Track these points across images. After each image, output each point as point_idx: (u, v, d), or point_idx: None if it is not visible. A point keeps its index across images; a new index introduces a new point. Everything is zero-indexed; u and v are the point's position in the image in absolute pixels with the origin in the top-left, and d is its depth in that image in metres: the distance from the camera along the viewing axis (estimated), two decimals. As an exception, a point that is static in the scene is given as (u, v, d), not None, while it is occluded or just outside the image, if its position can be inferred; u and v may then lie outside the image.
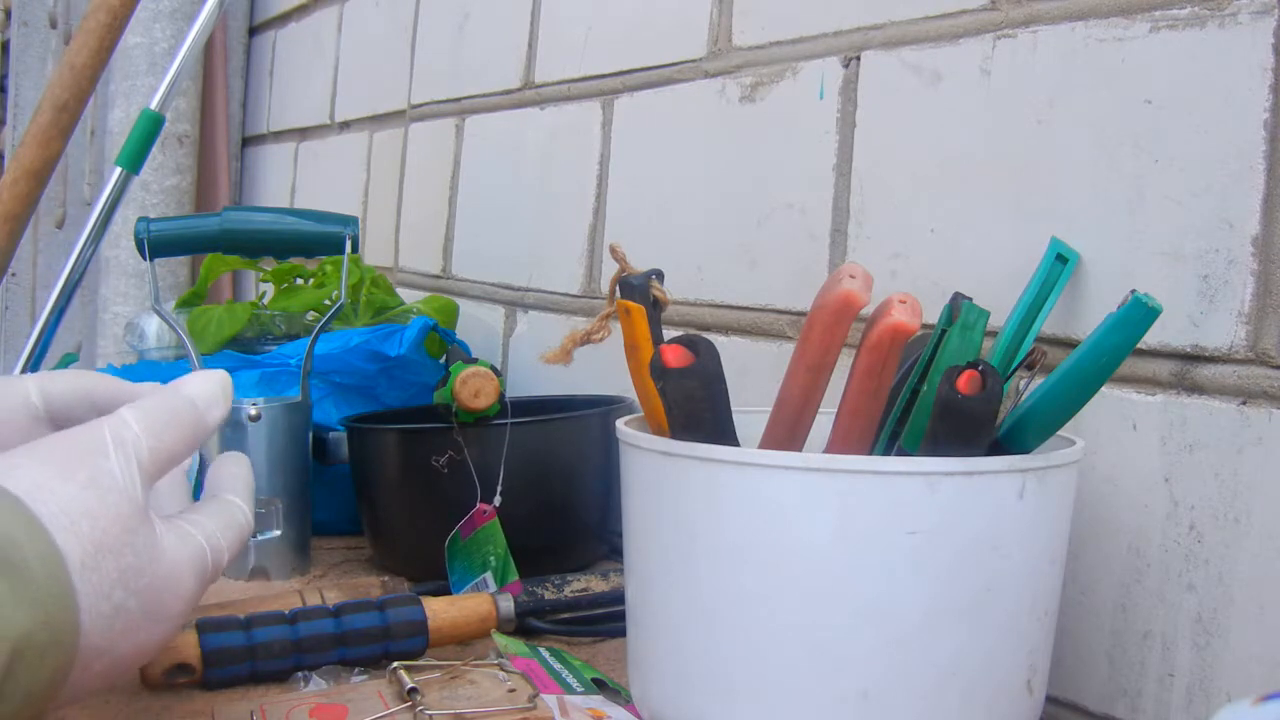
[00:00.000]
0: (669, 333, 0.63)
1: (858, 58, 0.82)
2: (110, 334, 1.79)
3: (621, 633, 0.68)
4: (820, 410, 0.64)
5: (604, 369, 0.96)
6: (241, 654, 0.68)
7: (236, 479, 0.60)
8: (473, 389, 0.84)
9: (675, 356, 0.58)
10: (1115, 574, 0.65)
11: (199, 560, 0.54)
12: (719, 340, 0.90)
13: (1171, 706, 0.62)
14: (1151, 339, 0.62)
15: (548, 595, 0.80)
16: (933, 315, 0.65)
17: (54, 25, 2.11)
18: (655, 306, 0.63)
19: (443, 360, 1.07)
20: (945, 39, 0.75)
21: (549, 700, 0.62)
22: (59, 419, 0.59)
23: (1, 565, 0.44)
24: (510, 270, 1.21)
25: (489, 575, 0.83)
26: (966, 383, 0.55)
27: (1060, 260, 0.66)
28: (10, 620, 0.44)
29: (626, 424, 0.63)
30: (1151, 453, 0.63)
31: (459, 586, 0.84)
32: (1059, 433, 0.60)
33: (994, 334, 0.66)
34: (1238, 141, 0.60)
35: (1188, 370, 0.62)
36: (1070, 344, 0.67)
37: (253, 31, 2.00)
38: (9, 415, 0.58)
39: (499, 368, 1.03)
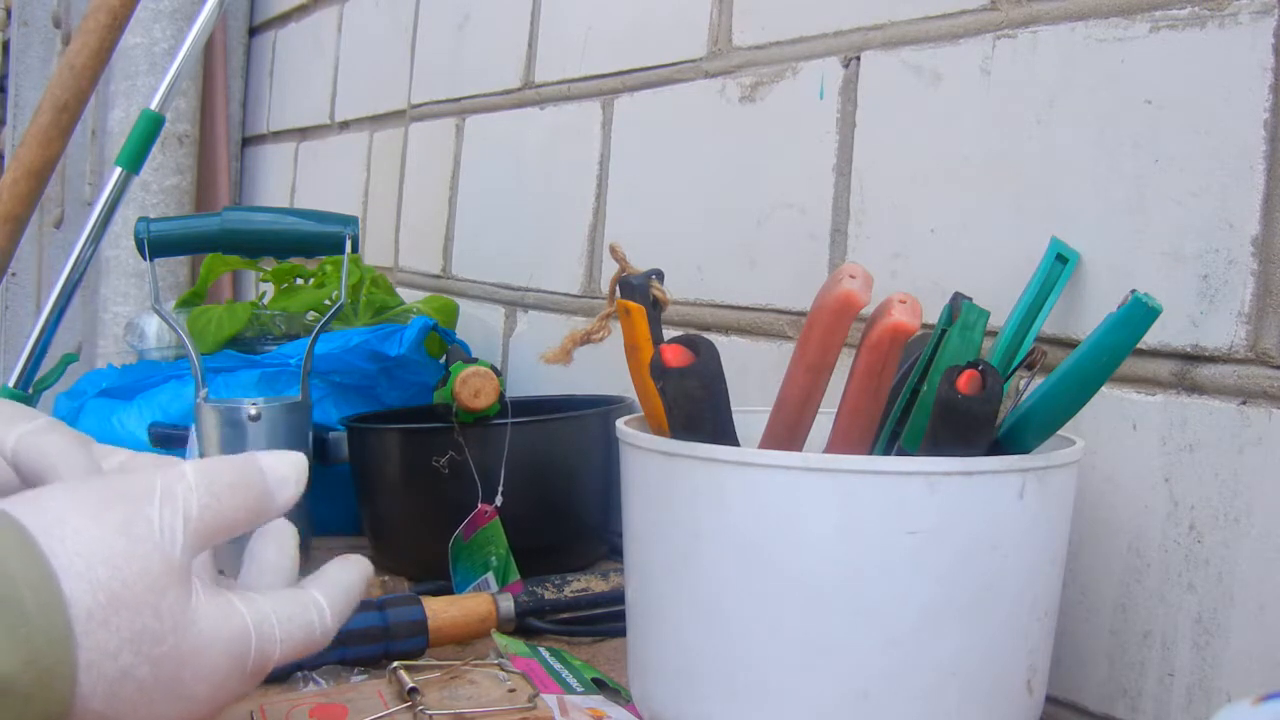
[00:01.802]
0: (669, 333, 0.63)
1: (858, 58, 0.82)
2: (110, 334, 1.79)
3: (621, 633, 0.68)
4: (820, 410, 0.64)
5: (604, 369, 0.96)
6: (241, 654, 0.68)
7: (336, 581, 0.52)
8: (473, 389, 0.84)
9: (675, 356, 0.58)
10: (1115, 574, 0.65)
11: (239, 643, 0.47)
12: (719, 340, 0.90)
13: (1171, 706, 0.62)
14: (1151, 339, 0.62)
15: (548, 595, 0.80)
16: (933, 315, 0.65)
17: (57, 25, 2.11)
18: (655, 306, 0.63)
19: (443, 360, 1.07)
20: (945, 39, 0.75)
21: (549, 700, 0.62)
22: (23, 473, 0.53)
23: None
24: (510, 270, 1.21)
25: (490, 576, 0.83)
26: (966, 383, 0.55)
27: (1060, 260, 0.66)
28: None
29: (626, 424, 0.63)
30: (1151, 453, 0.63)
31: (462, 587, 0.84)
32: (1059, 433, 0.60)
33: (994, 334, 0.66)
34: (1238, 141, 0.60)
35: (1188, 370, 0.62)
36: (1070, 344, 0.67)
37: (253, 31, 2.00)
38: None
39: (499, 368, 1.03)
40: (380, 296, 1.19)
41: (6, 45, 2.44)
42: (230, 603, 0.48)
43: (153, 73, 1.79)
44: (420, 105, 1.43)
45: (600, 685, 0.68)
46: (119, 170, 1.00)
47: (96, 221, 1.00)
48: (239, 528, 0.49)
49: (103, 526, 0.44)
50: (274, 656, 0.49)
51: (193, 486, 0.47)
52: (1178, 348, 0.62)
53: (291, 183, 1.82)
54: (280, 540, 0.55)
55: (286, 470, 0.50)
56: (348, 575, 0.53)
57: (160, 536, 0.45)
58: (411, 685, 0.62)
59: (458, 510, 0.85)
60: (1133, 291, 0.55)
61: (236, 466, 0.49)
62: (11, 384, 0.98)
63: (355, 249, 0.94)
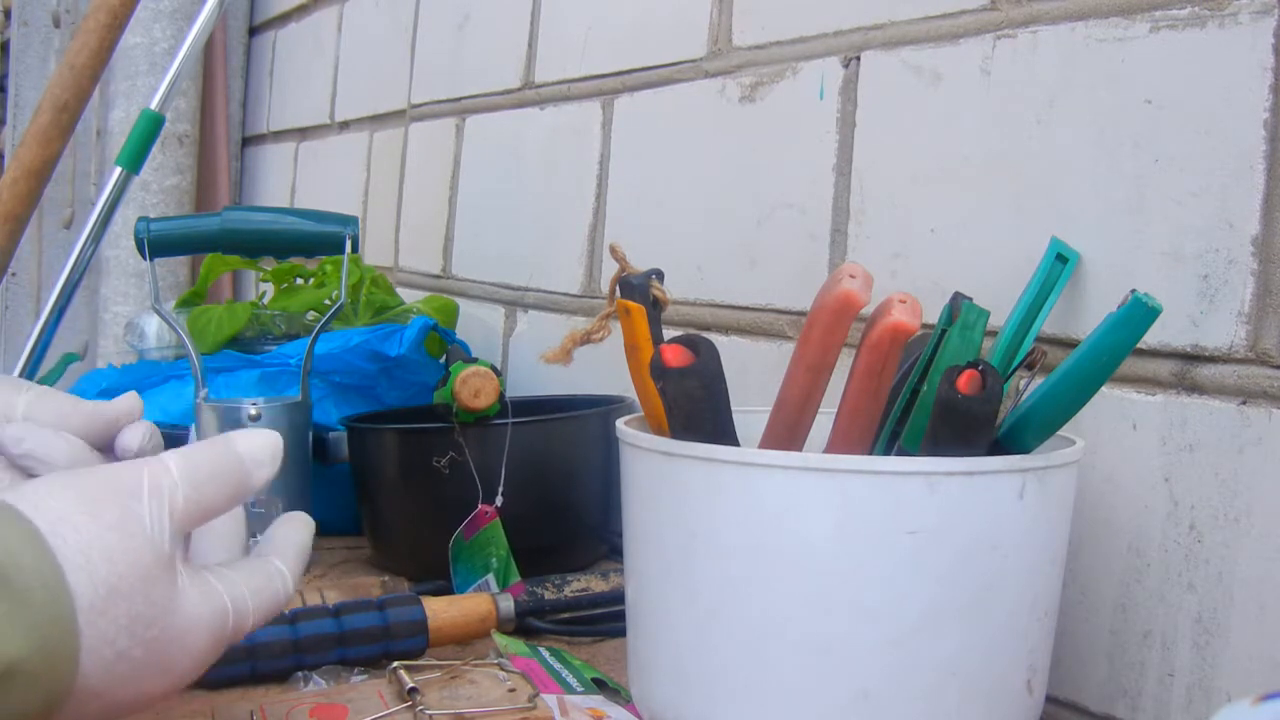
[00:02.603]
0: (669, 333, 0.63)
1: (858, 58, 0.82)
2: (110, 334, 1.79)
3: (621, 633, 0.68)
4: (820, 410, 0.64)
5: (604, 369, 0.96)
6: (241, 654, 0.68)
7: (290, 544, 0.57)
8: (473, 389, 0.84)
9: (675, 356, 0.58)
10: (1115, 574, 0.65)
11: (219, 620, 0.52)
12: (719, 340, 0.90)
13: (1171, 706, 0.62)
14: (1151, 339, 0.62)
15: (548, 595, 0.80)
16: (933, 315, 0.65)
17: (57, 25, 2.11)
18: (655, 306, 0.63)
19: (443, 360, 1.07)
20: (945, 39, 0.75)
21: (549, 700, 0.62)
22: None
23: (2, 587, 0.44)
24: (510, 270, 1.21)
25: (491, 577, 0.83)
26: (966, 383, 0.55)
27: (1060, 260, 0.66)
28: (4, 639, 0.44)
29: (626, 424, 0.63)
30: (1151, 453, 0.63)
31: (463, 588, 0.84)
32: (1059, 433, 0.60)
33: (994, 334, 0.66)
34: (1238, 141, 0.60)
35: (1188, 370, 0.62)
36: (1070, 344, 0.67)
37: (253, 31, 2.00)
38: None
39: (499, 368, 1.03)
40: (380, 296, 1.19)
41: (6, 45, 2.44)
42: (208, 582, 0.52)
43: (153, 73, 1.79)
44: (420, 105, 1.43)
45: (600, 685, 0.68)
46: (119, 170, 1.00)
47: (96, 221, 1.00)
48: (220, 512, 0.53)
49: (100, 523, 0.48)
50: (247, 628, 0.53)
51: (177, 481, 0.50)
52: (1178, 348, 0.62)
53: (291, 183, 1.82)
54: (296, 522, 0.60)
55: (262, 452, 0.54)
56: (299, 536, 0.58)
57: (150, 531, 0.49)
58: (411, 685, 0.62)
59: (458, 510, 0.85)
60: (1133, 291, 0.55)
61: (215, 455, 0.52)
62: (11, 384, 0.98)
63: (355, 249, 0.95)
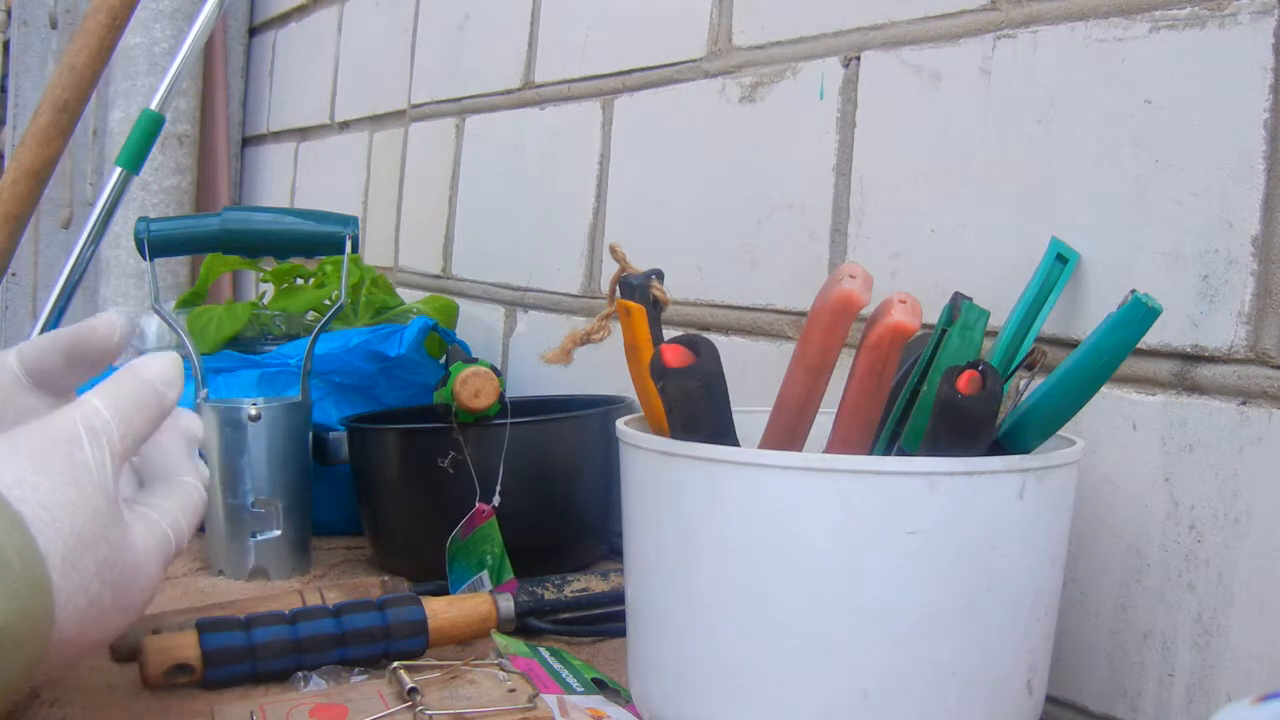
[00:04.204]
0: (669, 333, 0.63)
1: (858, 58, 0.82)
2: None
3: (621, 633, 0.68)
4: (820, 410, 0.64)
5: (604, 369, 0.96)
6: (241, 654, 0.68)
7: (179, 447, 0.60)
8: (473, 389, 0.84)
9: (675, 356, 0.58)
10: (1115, 574, 0.65)
11: (164, 548, 0.55)
12: (719, 340, 0.90)
13: (1171, 706, 0.62)
14: (1151, 339, 0.62)
15: (548, 595, 0.80)
16: (933, 315, 0.65)
17: (54, 26, 2.11)
18: (655, 306, 0.63)
19: (443, 360, 1.07)
20: (945, 39, 0.75)
21: (549, 700, 0.62)
22: (39, 380, 0.63)
23: None
24: (510, 270, 1.21)
25: (485, 574, 0.83)
26: (966, 383, 0.55)
27: (1060, 260, 0.66)
28: None
29: (626, 424, 0.63)
30: (1151, 453, 0.63)
31: (457, 585, 0.84)
32: (1059, 433, 0.60)
33: (994, 334, 0.66)
34: (1238, 141, 0.60)
35: (1188, 370, 0.62)
36: (1070, 344, 0.67)
37: (253, 31, 2.00)
38: None
39: (499, 368, 1.03)
40: (380, 296, 1.19)
41: (6, 45, 2.44)
42: (147, 515, 0.54)
43: (153, 73, 1.79)
44: (420, 105, 1.43)
45: (600, 685, 0.68)
46: (119, 170, 1.01)
47: (96, 221, 1.00)
48: (145, 439, 0.55)
49: (53, 479, 0.49)
50: (184, 546, 0.56)
51: (109, 420, 0.52)
52: (1178, 348, 0.62)
53: (291, 183, 1.82)
54: (180, 421, 0.62)
55: (168, 373, 0.56)
56: (187, 437, 0.61)
57: (97, 476, 0.51)
58: (411, 685, 0.62)
59: (458, 510, 0.85)
60: (1133, 291, 0.55)
61: (134, 388, 0.54)
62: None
63: (355, 249, 0.95)
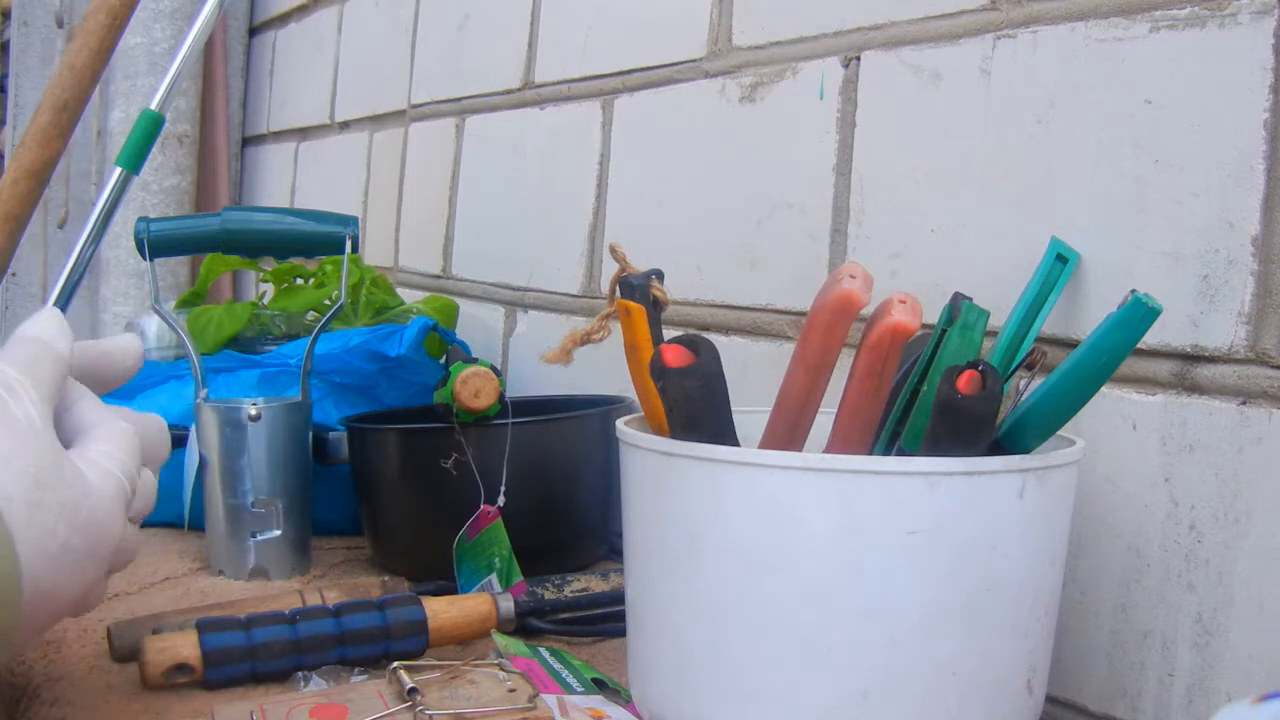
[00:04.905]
0: (669, 333, 0.63)
1: (858, 58, 0.82)
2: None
3: (621, 633, 0.68)
4: (820, 410, 0.64)
5: (604, 369, 0.96)
6: (241, 654, 0.68)
7: (90, 400, 0.59)
8: (473, 389, 0.84)
9: (675, 356, 0.58)
10: (1115, 574, 0.65)
11: (121, 492, 0.54)
12: (719, 340, 0.90)
13: (1171, 706, 0.62)
14: (1151, 339, 0.62)
15: (548, 595, 0.80)
16: (933, 315, 0.65)
17: (60, 24, 2.11)
18: (655, 306, 0.63)
19: (443, 360, 1.07)
20: (945, 39, 0.75)
21: (549, 700, 0.62)
22: None
23: None
24: (510, 270, 1.21)
25: (494, 578, 0.83)
26: (966, 383, 0.55)
27: (1060, 260, 0.66)
28: None
29: (626, 424, 0.63)
30: (1151, 453, 0.63)
31: (467, 587, 0.84)
32: (1059, 433, 0.60)
33: (994, 334, 0.66)
34: (1238, 141, 0.60)
35: (1188, 370, 0.62)
36: (1070, 344, 0.67)
37: (253, 31, 2.00)
38: None
39: (499, 368, 1.03)
40: (380, 296, 1.19)
41: (6, 45, 2.44)
42: (97, 462, 0.54)
43: (153, 73, 1.79)
44: (420, 105, 1.43)
45: (600, 685, 0.68)
46: (119, 170, 1.00)
47: (96, 221, 1.00)
48: (57, 393, 0.55)
49: None
50: (132, 491, 0.56)
51: (19, 377, 0.53)
52: (1178, 348, 0.62)
53: (291, 183, 1.82)
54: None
55: (55, 326, 0.57)
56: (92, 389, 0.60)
57: (31, 423, 0.51)
58: (411, 685, 0.62)
59: (458, 510, 0.85)
60: (1133, 291, 0.55)
61: (27, 349, 0.55)
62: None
63: (355, 249, 0.95)
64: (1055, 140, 0.68)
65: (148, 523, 0.97)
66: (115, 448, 0.56)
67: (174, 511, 0.97)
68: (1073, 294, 0.67)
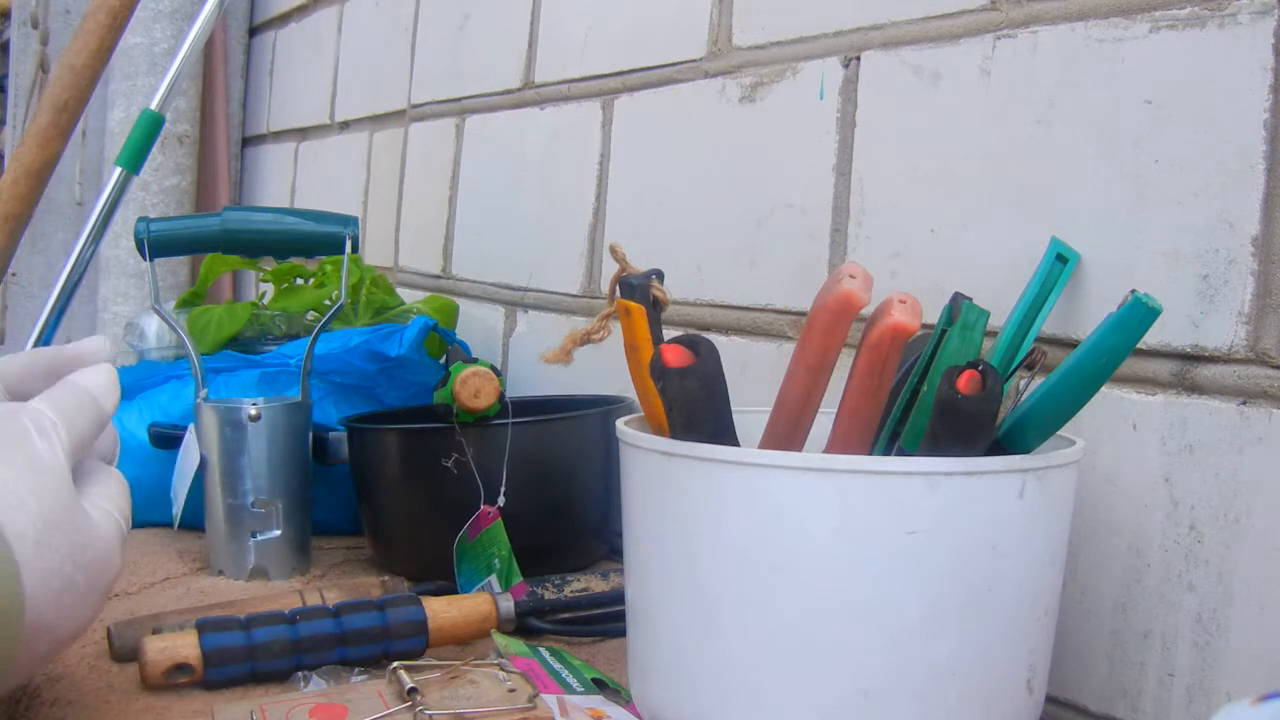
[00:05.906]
0: (669, 333, 0.63)
1: (858, 58, 0.82)
2: (110, 334, 1.79)
3: (621, 633, 0.68)
4: (820, 410, 0.64)
5: (604, 369, 0.96)
6: (241, 654, 0.68)
7: (107, 436, 0.62)
8: (473, 389, 0.84)
9: (675, 356, 0.58)
10: (1115, 574, 0.65)
11: (119, 534, 0.57)
12: (719, 340, 0.90)
13: (1171, 706, 0.62)
14: (1151, 339, 0.62)
15: (548, 595, 0.80)
16: (933, 315, 0.65)
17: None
18: (655, 306, 0.63)
19: (443, 360, 1.07)
20: (945, 39, 0.75)
21: (549, 700, 0.62)
22: (20, 396, 0.63)
23: None
24: (510, 270, 1.21)
25: (494, 578, 0.83)
26: (966, 383, 0.55)
27: (1060, 260, 0.66)
28: None
29: (626, 424, 0.63)
30: (1151, 453, 0.63)
31: (467, 588, 0.84)
32: (1059, 433, 0.60)
33: (994, 334, 0.66)
34: (1238, 141, 0.60)
35: (1188, 370, 0.62)
36: (1070, 344, 0.67)
37: (253, 31, 2.00)
38: None
39: (499, 368, 1.03)
40: (380, 296, 1.19)
41: (6, 45, 2.44)
42: (98, 505, 0.57)
43: (153, 73, 1.79)
44: (420, 105, 1.43)
45: (600, 685, 0.68)
46: (119, 170, 1.00)
47: (96, 221, 1.00)
48: (89, 444, 0.58)
49: (13, 467, 0.52)
50: (126, 533, 0.59)
51: (56, 420, 0.55)
52: (1178, 348, 0.62)
53: (291, 183, 1.82)
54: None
55: (106, 381, 0.59)
56: (104, 426, 0.61)
57: (54, 465, 0.53)
58: (411, 685, 0.62)
59: (458, 510, 0.85)
60: (1133, 291, 0.55)
61: (74, 395, 0.57)
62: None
63: (355, 249, 0.95)
64: (1055, 140, 0.68)
65: (142, 524, 0.98)
66: (114, 491, 0.59)
67: (167, 513, 0.97)
68: (1073, 294, 0.67)
